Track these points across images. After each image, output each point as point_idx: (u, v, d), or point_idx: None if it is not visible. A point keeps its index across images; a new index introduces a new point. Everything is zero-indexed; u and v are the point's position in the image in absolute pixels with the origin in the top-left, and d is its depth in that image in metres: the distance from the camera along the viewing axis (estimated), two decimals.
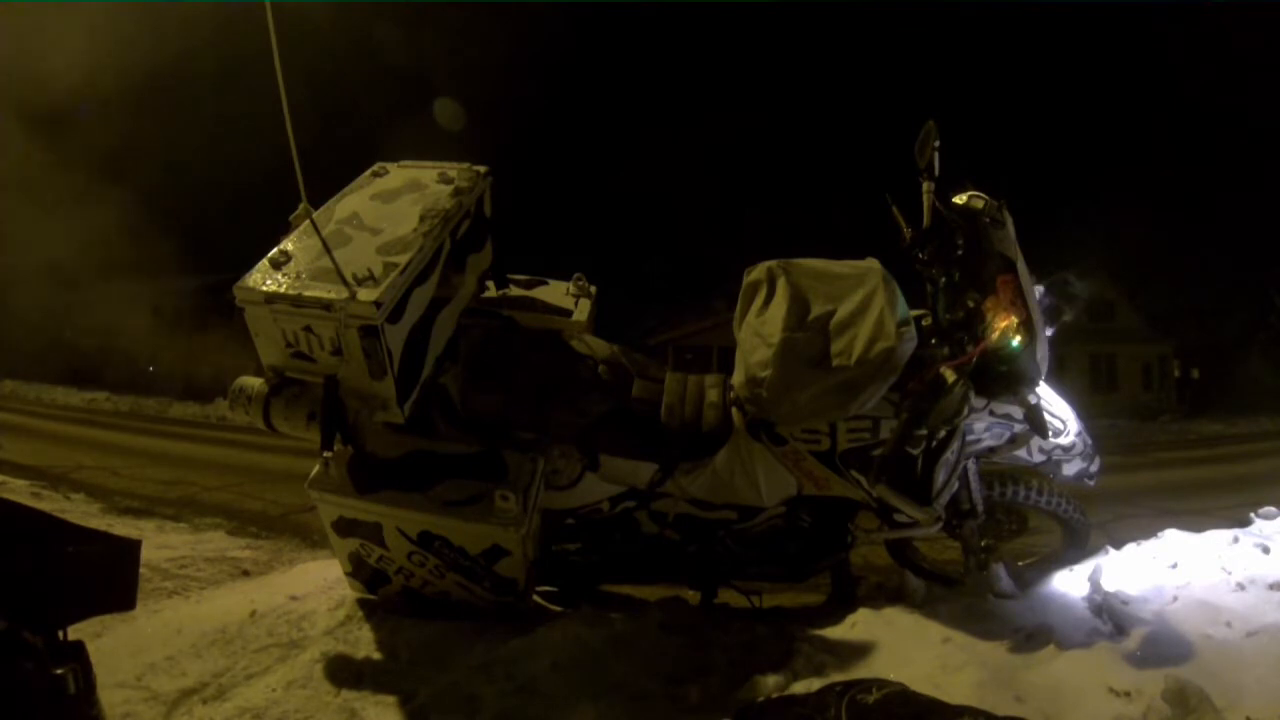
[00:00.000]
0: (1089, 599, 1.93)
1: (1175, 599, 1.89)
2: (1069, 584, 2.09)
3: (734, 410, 2.12)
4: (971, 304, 1.94)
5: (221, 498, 4.58)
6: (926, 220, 2.04)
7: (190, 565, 2.71)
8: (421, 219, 1.91)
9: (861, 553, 2.57)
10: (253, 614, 2.02)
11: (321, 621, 1.98)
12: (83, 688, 1.03)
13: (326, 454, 1.84)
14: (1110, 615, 1.82)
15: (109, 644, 1.82)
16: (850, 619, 1.93)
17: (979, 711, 1.20)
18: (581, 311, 2.34)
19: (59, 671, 1.00)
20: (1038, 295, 1.99)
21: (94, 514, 3.75)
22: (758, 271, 2.08)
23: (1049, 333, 2.04)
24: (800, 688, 1.56)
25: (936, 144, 2.01)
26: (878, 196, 2.12)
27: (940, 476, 1.97)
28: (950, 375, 1.82)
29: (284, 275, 1.73)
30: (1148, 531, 2.41)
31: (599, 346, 2.31)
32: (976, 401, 1.96)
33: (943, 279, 2.03)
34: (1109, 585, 1.99)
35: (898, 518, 2.05)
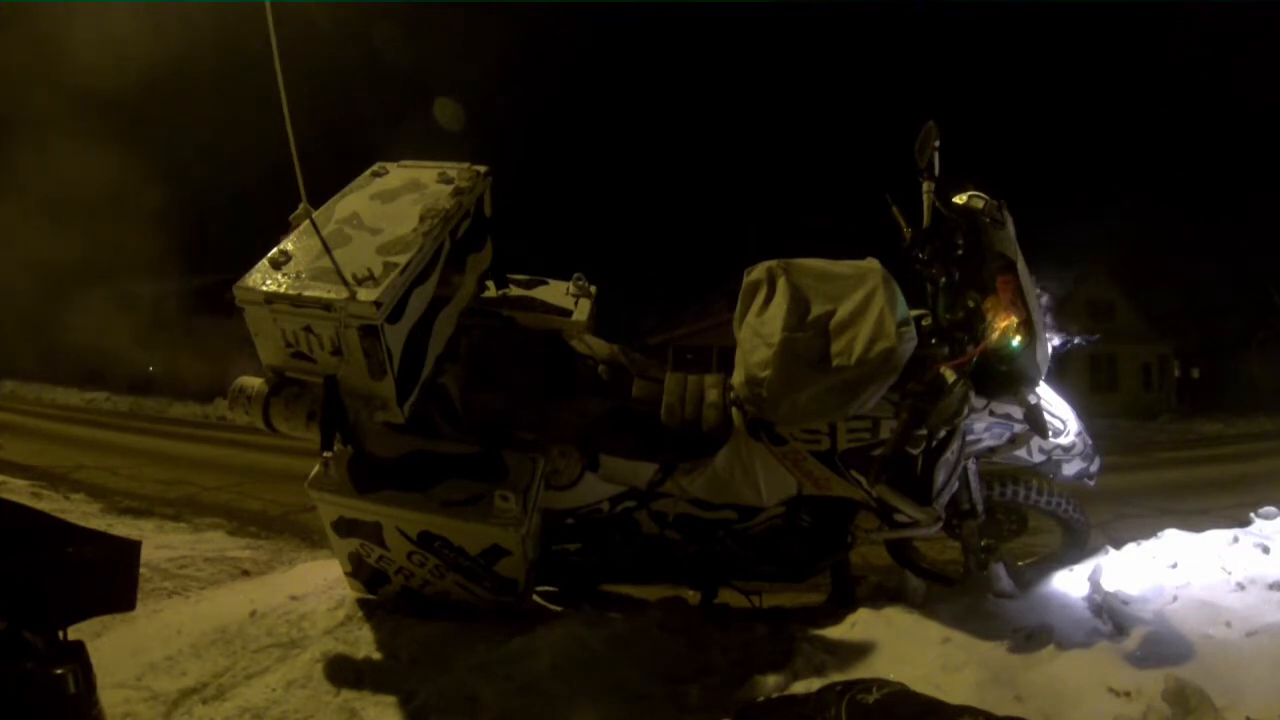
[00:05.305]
0: (1089, 599, 1.93)
1: (1175, 599, 1.89)
2: (1069, 584, 2.09)
3: (734, 410, 2.12)
4: (971, 304, 1.94)
5: (221, 498, 4.58)
6: (926, 220, 2.04)
7: (190, 565, 2.71)
8: (421, 219, 1.91)
9: (861, 553, 2.57)
10: (253, 614, 2.01)
11: (321, 621, 1.98)
12: (83, 688, 1.03)
13: (326, 454, 1.84)
14: (1110, 615, 1.82)
15: (109, 644, 1.82)
16: (850, 619, 1.93)
17: (979, 711, 1.20)
18: (581, 311, 2.34)
19: (59, 671, 1.01)
20: (1039, 298, 1.99)
21: (94, 514, 3.75)
22: (758, 271, 2.08)
23: (1055, 341, 2.04)
24: (800, 688, 1.56)
25: (936, 144, 2.01)
26: (878, 196, 2.12)
27: (940, 476, 1.97)
28: (950, 375, 1.82)
29: (284, 275, 1.73)
30: (1148, 531, 2.41)
31: (599, 346, 2.31)
32: (976, 401, 1.96)
33: (943, 279, 2.03)
34: (1109, 585, 1.98)
35: (898, 518, 2.05)
